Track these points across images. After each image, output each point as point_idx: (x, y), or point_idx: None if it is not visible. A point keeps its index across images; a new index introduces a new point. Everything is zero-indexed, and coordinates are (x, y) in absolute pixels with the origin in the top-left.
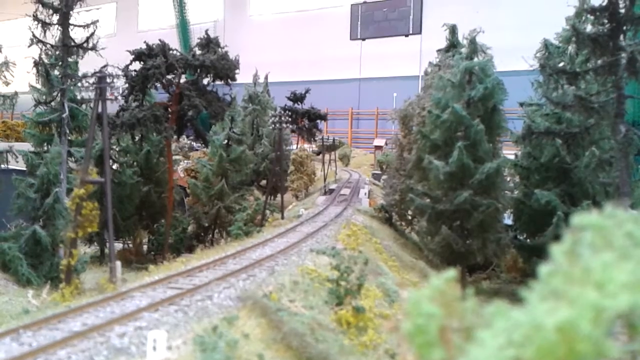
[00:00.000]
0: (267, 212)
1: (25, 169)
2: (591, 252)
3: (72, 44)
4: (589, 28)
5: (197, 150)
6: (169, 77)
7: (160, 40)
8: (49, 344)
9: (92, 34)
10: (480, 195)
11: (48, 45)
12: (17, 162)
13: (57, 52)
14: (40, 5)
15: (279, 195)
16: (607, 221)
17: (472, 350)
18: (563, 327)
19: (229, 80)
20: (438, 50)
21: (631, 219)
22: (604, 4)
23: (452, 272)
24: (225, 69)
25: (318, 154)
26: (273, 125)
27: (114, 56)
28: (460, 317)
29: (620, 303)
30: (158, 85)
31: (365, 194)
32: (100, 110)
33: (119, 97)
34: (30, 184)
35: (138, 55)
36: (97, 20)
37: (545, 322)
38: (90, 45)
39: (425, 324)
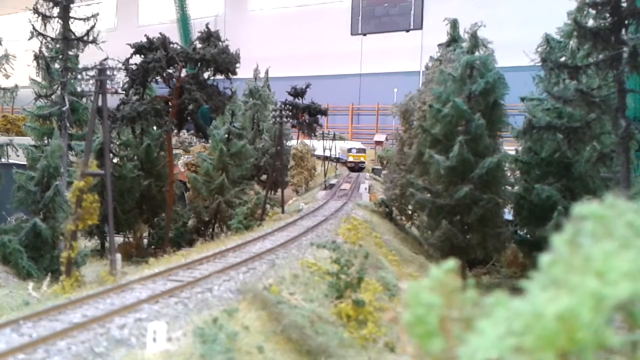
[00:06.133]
0: (268, 206)
1: (25, 162)
2: (592, 241)
3: (73, 37)
4: (590, 22)
5: (193, 145)
6: (170, 70)
7: (160, 33)
8: (49, 335)
9: (93, 27)
10: (481, 190)
11: (48, 39)
12: (18, 155)
13: (58, 45)
14: None
15: (279, 190)
16: (608, 211)
17: (472, 340)
18: (563, 315)
19: (230, 75)
20: (439, 45)
21: (632, 209)
22: None
23: (451, 263)
24: (226, 62)
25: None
26: (273, 120)
27: (114, 50)
28: (460, 307)
29: (620, 292)
30: (158, 78)
31: (365, 188)
32: (100, 103)
33: (120, 91)
34: (31, 177)
35: (139, 49)
36: (98, 14)
37: (546, 311)
38: (91, 38)
39: (425, 314)
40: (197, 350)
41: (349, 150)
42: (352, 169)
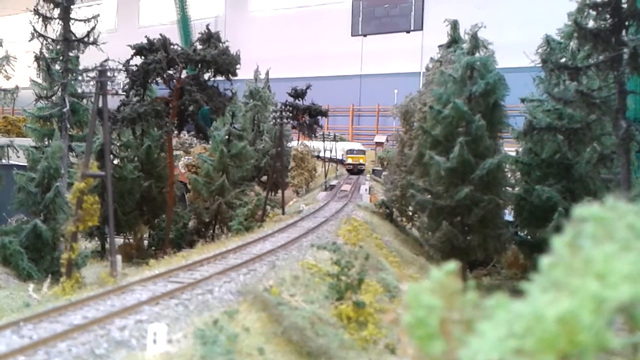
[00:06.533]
0: (268, 207)
1: (26, 163)
2: (592, 244)
3: (73, 38)
4: (591, 23)
5: (194, 146)
6: (170, 72)
7: (161, 35)
8: (50, 337)
9: (93, 28)
10: (481, 191)
11: (49, 40)
12: (18, 157)
13: (58, 47)
14: (42, 0)
15: (279, 191)
16: (609, 213)
17: (472, 342)
18: (564, 318)
19: (230, 76)
20: (439, 46)
21: (632, 211)
22: None
23: (452, 265)
24: (227, 63)
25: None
26: (274, 121)
27: (114, 51)
28: (460, 309)
29: (621, 294)
30: (159, 80)
31: (366, 190)
32: (101, 104)
33: (120, 92)
34: (31, 178)
35: (139, 50)
36: (98, 15)
37: (547, 313)
38: (91, 39)
39: (425, 316)
40: (198, 352)
41: (348, 151)
42: (350, 171)
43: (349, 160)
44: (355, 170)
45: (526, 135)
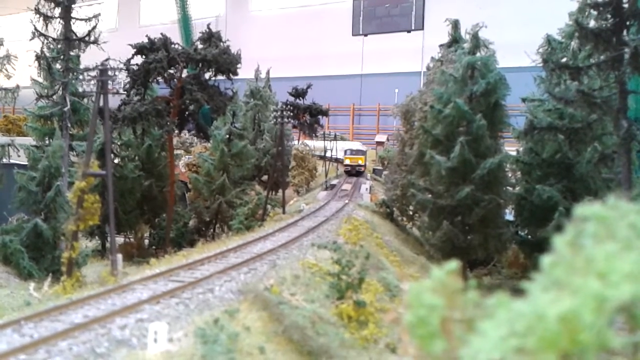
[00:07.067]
0: (269, 206)
1: (26, 162)
2: (594, 243)
3: (74, 37)
4: (592, 23)
5: (194, 146)
6: (171, 71)
7: (162, 34)
8: (51, 335)
9: (94, 27)
10: (482, 190)
11: (50, 39)
12: (19, 156)
13: (59, 46)
14: None
15: (280, 190)
16: (610, 212)
17: (474, 341)
18: (565, 317)
19: (231, 75)
20: (440, 46)
21: (634, 210)
22: None
23: (453, 264)
24: (227, 63)
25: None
26: (274, 121)
27: (115, 51)
28: (461, 308)
29: (622, 293)
30: (160, 79)
31: (366, 189)
32: (102, 103)
33: (121, 91)
34: (32, 177)
35: (140, 49)
36: (99, 14)
37: (548, 312)
38: (92, 38)
39: (426, 315)
40: (198, 351)
41: (345, 151)
42: (349, 173)
43: (347, 161)
44: (354, 172)
45: (527, 134)
